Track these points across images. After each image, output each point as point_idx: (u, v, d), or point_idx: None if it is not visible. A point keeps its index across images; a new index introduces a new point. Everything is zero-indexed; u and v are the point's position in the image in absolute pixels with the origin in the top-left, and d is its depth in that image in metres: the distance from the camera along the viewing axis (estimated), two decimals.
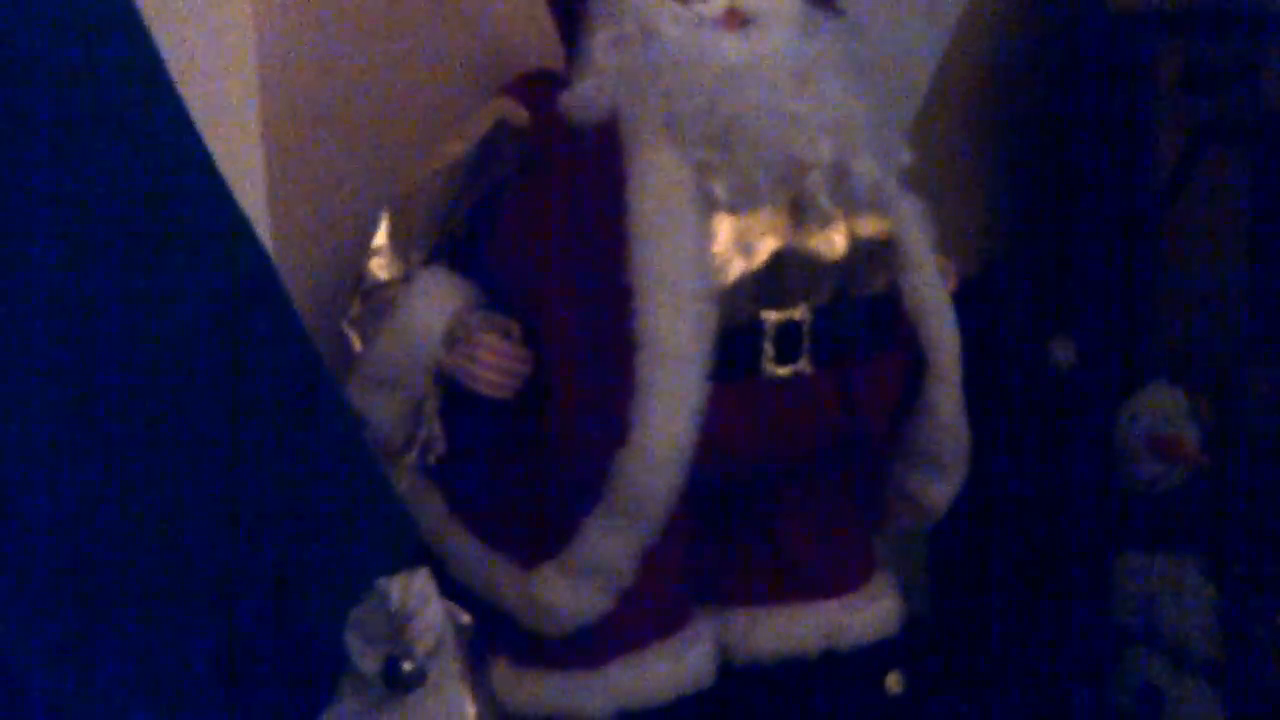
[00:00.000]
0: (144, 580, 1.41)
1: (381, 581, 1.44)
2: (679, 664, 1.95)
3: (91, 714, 1.35)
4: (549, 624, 1.90)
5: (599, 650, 1.91)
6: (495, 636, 1.93)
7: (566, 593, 1.88)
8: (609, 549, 1.85)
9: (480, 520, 1.97)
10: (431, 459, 1.96)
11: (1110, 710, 2.61)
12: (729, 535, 2.06)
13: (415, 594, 1.44)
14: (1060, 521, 2.61)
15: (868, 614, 2.09)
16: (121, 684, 1.38)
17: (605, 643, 1.91)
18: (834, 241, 1.95)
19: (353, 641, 1.46)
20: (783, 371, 1.94)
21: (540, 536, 1.90)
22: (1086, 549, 2.61)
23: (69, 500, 1.35)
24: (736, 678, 2.04)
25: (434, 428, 1.95)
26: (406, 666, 1.44)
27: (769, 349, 1.93)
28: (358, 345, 1.97)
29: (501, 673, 1.93)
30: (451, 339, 1.93)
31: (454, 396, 1.94)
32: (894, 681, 2.11)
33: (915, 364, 2.07)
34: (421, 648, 1.45)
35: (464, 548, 1.97)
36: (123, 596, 1.39)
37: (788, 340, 1.94)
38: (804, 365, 1.95)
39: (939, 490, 2.14)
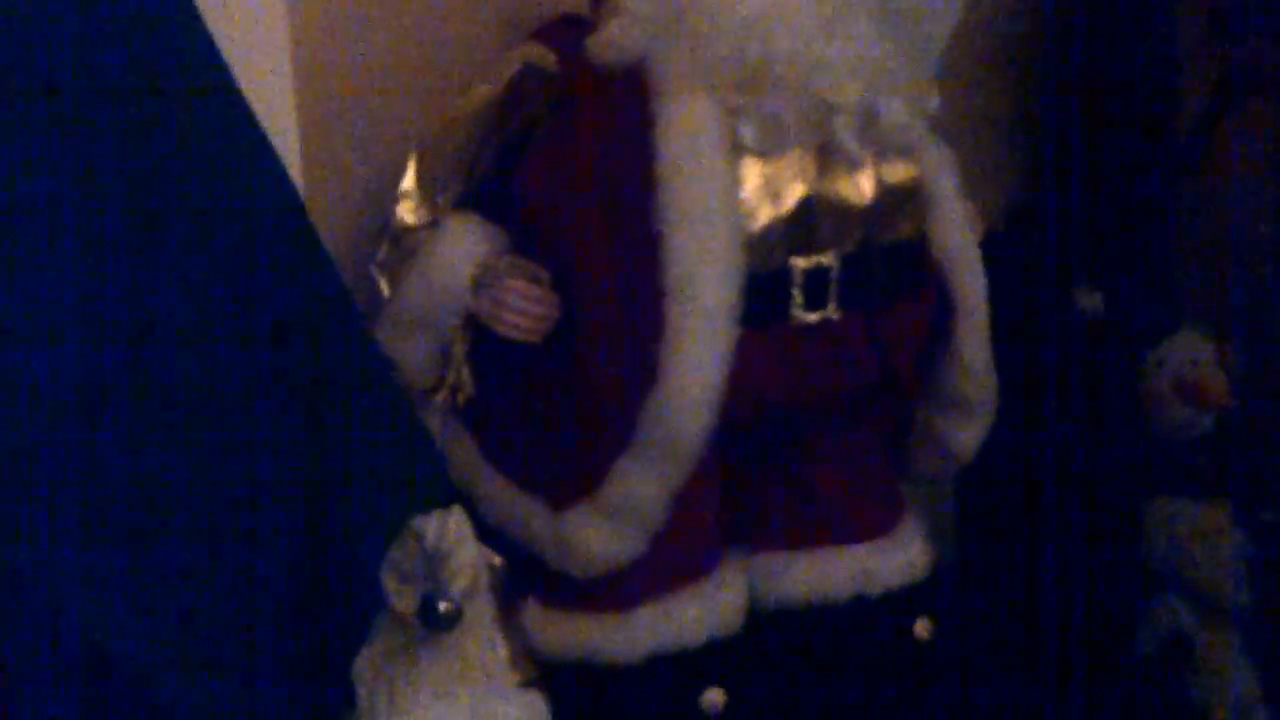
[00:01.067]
0: (178, 525, 1.42)
1: (417, 520, 1.45)
2: (709, 607, 1.95)
3: (141, 654, 1.36)
4: (580, 566, 1.90)
5: (630, 593, 1.91)
6: (527, 578, 1.93)
7: (597, 534, 1.88)
8: (640, 491, 1.85)
9: (511, 462, 1.97)
10: (461, 401, 1.96)
11: (1138, 658, 2.61)
12: (759, 480, 2.05)
13: (451, 533, 1.44)
14: (1088, 468, 2.60)
15: (897, 559, 2.09)
16: (161, 627, 1.39)
17: (636, 585, 1.91)
18: (862, 187, 1.95)
19: (389, 581, 1.46)
20: (811, 317, 1.93)
21: (571, 478, 1.90)
22: (1114, 495, 2.61)
23: (105, 455, 1.36)
24: (765, 622, 2.04)
25: (462, 370, 1.95)
26: (443, 605, 1.44)
27: (797, 295, 1.93)
28: (385, 289, 1.97)
29: (533, 614, 1.93)
30: (479, 284, 1.92)
31: (483, 339, 1.94)
32: (922, 627, 2.11)
33: (943, 309, 2.07)
34: (458, 586, 1.45)
35: (495, 489, 1.96)
36: (161, 542, 1.40)
37: (816, 286, 1.93)
38: (832, 311, 1.94)
39: (966, 434, 2.14)
